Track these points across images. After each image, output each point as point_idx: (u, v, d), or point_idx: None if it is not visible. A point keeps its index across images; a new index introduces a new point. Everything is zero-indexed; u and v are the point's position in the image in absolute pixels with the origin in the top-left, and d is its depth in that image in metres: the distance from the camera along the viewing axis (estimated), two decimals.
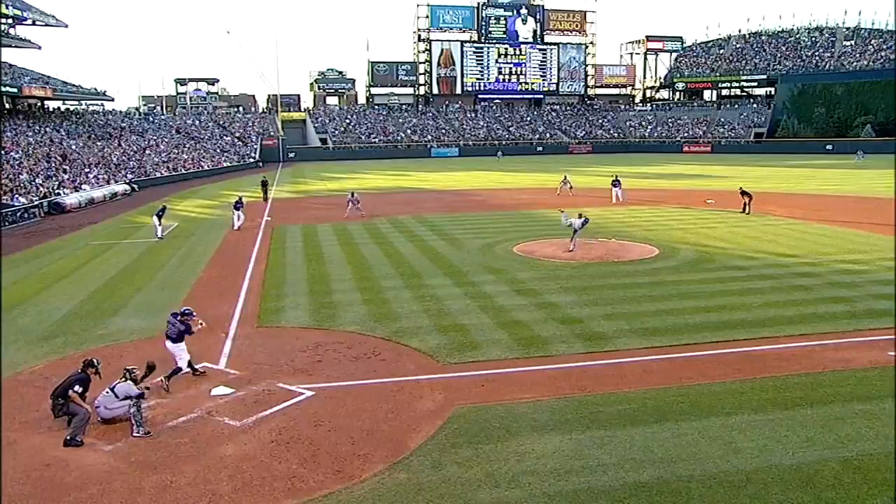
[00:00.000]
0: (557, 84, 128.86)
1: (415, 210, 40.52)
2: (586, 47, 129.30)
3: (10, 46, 78.67)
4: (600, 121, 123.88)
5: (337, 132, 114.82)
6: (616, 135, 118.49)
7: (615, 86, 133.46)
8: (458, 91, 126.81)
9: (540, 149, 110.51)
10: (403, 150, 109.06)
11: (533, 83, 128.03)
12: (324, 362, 14.65)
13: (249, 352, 15.41)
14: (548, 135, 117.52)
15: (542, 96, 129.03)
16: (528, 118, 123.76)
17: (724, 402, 12.22)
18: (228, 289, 21.41)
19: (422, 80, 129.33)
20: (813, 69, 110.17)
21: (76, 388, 11.66)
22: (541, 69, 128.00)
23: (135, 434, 11.37)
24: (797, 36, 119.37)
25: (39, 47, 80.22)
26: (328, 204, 45.24)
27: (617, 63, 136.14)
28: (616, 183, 42.44)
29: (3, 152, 54.37)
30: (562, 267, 23.25)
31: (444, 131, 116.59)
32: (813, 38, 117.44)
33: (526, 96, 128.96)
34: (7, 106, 76.10)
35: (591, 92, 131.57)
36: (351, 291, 20.59)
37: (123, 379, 11.98)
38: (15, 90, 70.53)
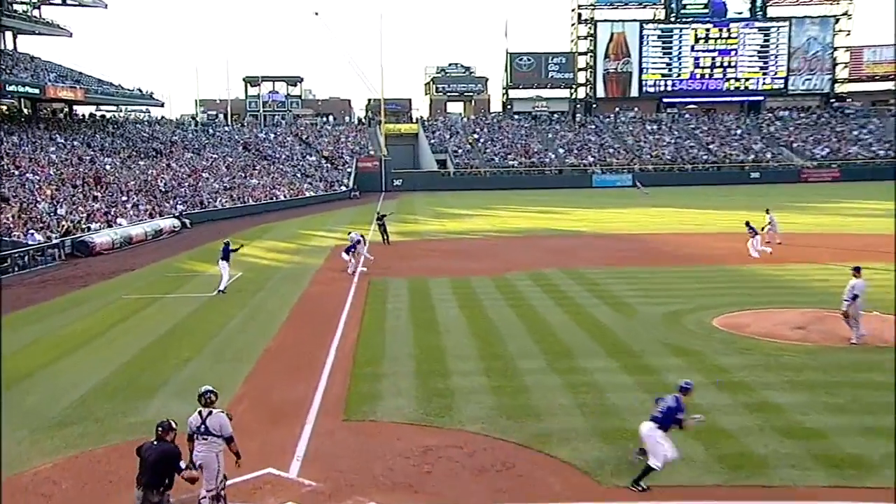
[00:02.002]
0: (786, 79, 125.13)
1: (566, 261, 40.75)
2: (836, 20, 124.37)
3: (31, 33, 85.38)
4: (856, 132, 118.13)
5: (461, 151, 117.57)
6: (884, 153, 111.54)
7: (883, 78, 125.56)
8: (634, 93, 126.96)
9: (755, 175, 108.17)
10: (553, 177, 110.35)
11: (747, 79, 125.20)
12: (435, 475, 14.76)
13: (332, 454, 15.76)
14: (768, 154, 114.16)
15: (760, 98, 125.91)
16: (739, 130, 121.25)
17: None
18: (307, 364, 22.13)
19: (581, 77, 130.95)
20: None
21: (180, 465, 12.00)
22: (760, 57, 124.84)
23: None
24: None
25: (70, 34, 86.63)
26: (447, 251, 46.43)
27: (889, 42, 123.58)
28: None
29: (10, 171, 59.00)
30: (789, 351, 22.45)
31: (611, 150, 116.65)
32: None
33: (736, 98, 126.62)
34: (25, 111, 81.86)
35: (841, 89, 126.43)
36: (474, 374, 20.77)
37: (205, 405, 13.10)
38: (36, 91, 75.02)
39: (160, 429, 12.10)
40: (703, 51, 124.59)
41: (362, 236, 41.67)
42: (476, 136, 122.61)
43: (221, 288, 33.63)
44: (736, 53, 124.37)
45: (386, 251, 46.95)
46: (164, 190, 72.58)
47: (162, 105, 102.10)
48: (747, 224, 41.59)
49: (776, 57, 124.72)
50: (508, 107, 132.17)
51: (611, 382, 19.75)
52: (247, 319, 28.48)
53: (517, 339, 24.28)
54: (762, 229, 44.54)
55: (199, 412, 13.09)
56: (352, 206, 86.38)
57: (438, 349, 23.32)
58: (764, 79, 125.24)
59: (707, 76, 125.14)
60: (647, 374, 20.46)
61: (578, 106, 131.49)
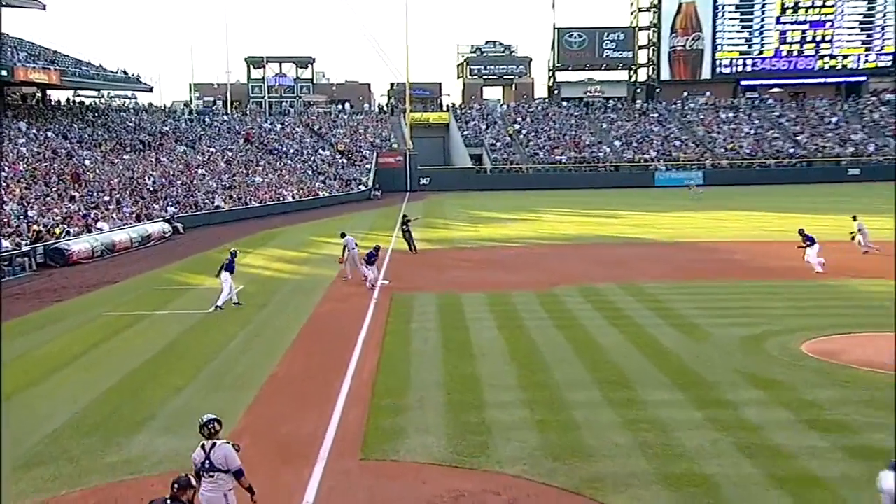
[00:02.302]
0: (895, 55, 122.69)
1: (623, 274, 40.89)
2: None
3: None
4: None
5: (499, 144, 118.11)
6: None
7: None
8: (706, 75, 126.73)
9: (855, 171, 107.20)
10: (608, 174, 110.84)
11: (845, 56, 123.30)
12: None
13: (348, 499, 15.81)
14: (870, 146, 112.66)
15: (861, 79, 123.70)
16: (835, 118, 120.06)
17: None
18: (319, 393, 22.22)
19: (643, 57, 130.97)
20: None
21: None
22: (863, 30, 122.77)
23: None
24: None
25: (44, 6, 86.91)
26: (482, 262, 46.83)
27: None
28: None
29: None
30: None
31: (678, 143, 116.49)
32: None
33: (831, 80, 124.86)
34: None
35: None
36: (515, 406, 20.74)
37: (208, 436, 13.14)
38: (3, 73, 75.07)
39: (176, 486, 11.73)
40: (791, 23, 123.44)
41: (356, 243, 42.23)
42: (517, 126, 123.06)
43: (220, 303, 33.84)
44: (832, 26, 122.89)
45: (411, 262, 47.22)
46: (152, 189, 73.23)
47: (150, 90, 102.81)
48: (801, 232, 41.04)
49: (882, 29, 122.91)
50: (555, 92, 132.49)
51: (677, 419, 19.60)
52: (249, 340, 28.71)
53: (565, 366, 24.22)
54: (851, 238, 44.21)
55: (202, 445, 13.11)
56: (372, 208, 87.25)
57: (472, 377, 23.32)
58: (866, 56, 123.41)
59: (795, 54, 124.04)
60: (721, 408, 20.24)
61: (639, 90, 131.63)
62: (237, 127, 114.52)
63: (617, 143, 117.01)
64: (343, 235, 41.97)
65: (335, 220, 73.38)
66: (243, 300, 35.25)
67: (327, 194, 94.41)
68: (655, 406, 20.52)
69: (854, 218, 45.86)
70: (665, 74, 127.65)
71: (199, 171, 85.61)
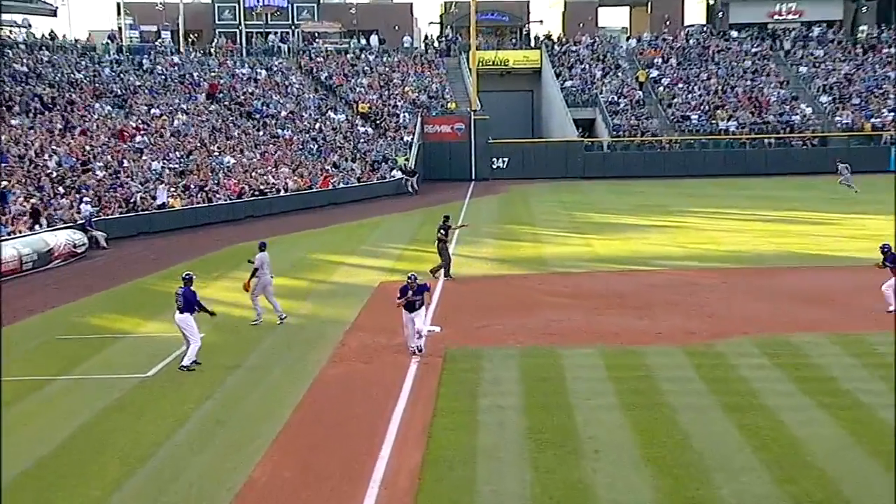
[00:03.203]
0: None
1: (837, 319, 40.49)
2: None
3: None
4: None
5: (623, 102, 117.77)
6: None
7: None
8: None
9: None
10: (809, 151, 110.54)
11: None
12: None
13: None
14: None
15: None
16: None
17: None
18: None
19: None
20: None
21: None
22: None
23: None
24: None
25: None
26: (595, 296, 46.54)
27: None
28: None
29: None
30: None
31: None
32: None
33: None
34: None
35: None
36: None
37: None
38: None
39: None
40: None
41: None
42: (653, 71, 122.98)
43: (186, 363, 33.97)
44: None
45: (477, 295, 47.18)
46: (56, 176, 73.38)
47: (54, 13, 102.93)
48: (885, 250, 40.81)
49: None
50: (720, 15, 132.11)
51: None
52: (208, 422, 28.64)
53: (737, 476, 23.91)
54: None
55: None
56: (413, 208, 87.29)
57: (581, 490, 23.12)
58: None
59: None
60: None
61: (864, 10, 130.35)
62: (195, 75, 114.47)
63: (824, 98, 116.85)
64: (262, 248, 42.32)
65: (353, 227, 73.60)
66: (203, 359, 35.10)
67: (341, 185, 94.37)
68: None
69: None
70: None
71: (134, 146, 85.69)
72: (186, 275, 35.78)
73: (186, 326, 34.31)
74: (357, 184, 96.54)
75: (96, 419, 29.28)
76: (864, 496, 22.32)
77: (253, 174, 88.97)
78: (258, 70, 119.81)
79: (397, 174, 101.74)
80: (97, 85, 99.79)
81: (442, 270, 50.76)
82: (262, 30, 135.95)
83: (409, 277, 36.52)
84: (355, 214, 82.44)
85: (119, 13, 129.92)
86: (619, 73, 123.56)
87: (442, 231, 51.15)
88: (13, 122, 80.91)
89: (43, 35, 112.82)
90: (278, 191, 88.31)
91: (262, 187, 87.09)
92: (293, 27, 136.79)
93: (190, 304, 34.55)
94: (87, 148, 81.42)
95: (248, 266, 41.45)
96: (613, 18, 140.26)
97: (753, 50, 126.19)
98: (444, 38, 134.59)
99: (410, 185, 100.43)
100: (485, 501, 22.42)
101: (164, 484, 23.83)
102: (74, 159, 77.70)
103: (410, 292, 35.86)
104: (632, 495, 22.60)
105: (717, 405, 29.20)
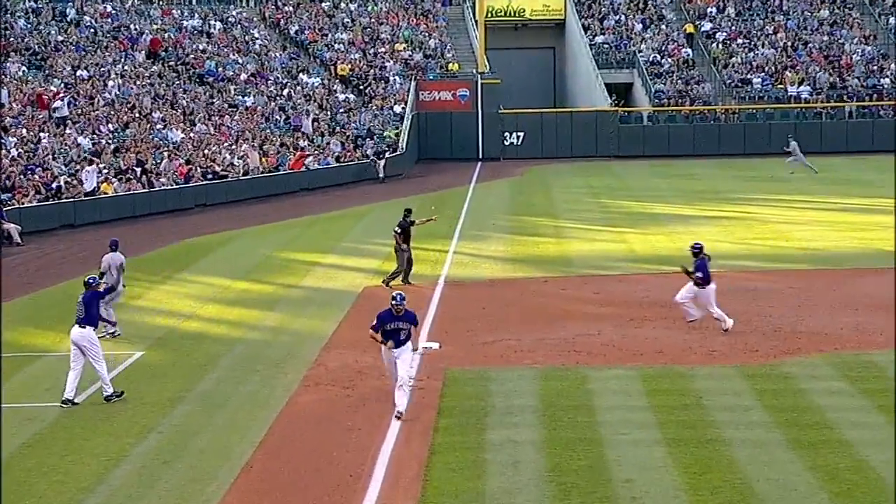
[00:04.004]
0: None
1: None
2: None
3: None
4: None
5: (667, 63, 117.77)
6: None
7: None
8: None
9: None
10: None
11: None
12: None
13: None
14: None
15: None
16: None
17: None
18: None
19: None
20: None
21: None
22: None
23: None
24: None
25: None
26: (631, 304, 46.72)
27: None
28: None
29: None
30: None
31: None
32: None
33: None
34: None
35: None
36: None
37: None
38: None
39: None
40: None
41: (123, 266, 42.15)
42: (706, 23, 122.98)
43: (69, 396, 33.29)
44: None
45: (483, 304, 47.19)
46: None
47: None
48: (696, 251, 42.98)
49: None
50: None
51: None
52: (152, 468, 28.31)
53: None
54: None
55: None
56: (407, 194, 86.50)
57: None
58: None
59: None
60: None
61: None
62: (133, 27, 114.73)
63: None
64: (113, 247, 42.37)
65: (331, 218, 73.74)
66: (146, 382, 35.09)
67: (316, 166, 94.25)
68: None
69: None
70: None
71: (53, 120, 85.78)
72: (90, 278, 35.56)
73: (89, 344, 33.66)
74: (336, 164, 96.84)
75: (12, 459, 29.10)
76: None
77: (205, 152, 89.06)
78: (211, 22, 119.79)
79: (369, 153, 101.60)
80: (10, 39, 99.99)
81: (399, 278, 49.99)
82: None
83: (394, 299, 32.71)
84: (333, 203, 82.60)
85: None
86: (664, 26, 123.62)
87: (397, 230, 50.34)
88: None
89: None
90: (238, 173, 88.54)
91: (216, 168, 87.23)
92: None
93: (93, 315, 34.04)
94: None
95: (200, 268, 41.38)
96: None
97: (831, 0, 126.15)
98: None
99: (378, 170, 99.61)
100: None
101: None
102: None
103: (392, 324, 32.47)
104: None
105: (785, 441, 29.16)
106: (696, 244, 42.92)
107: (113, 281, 40.98)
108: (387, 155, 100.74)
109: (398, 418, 30.92)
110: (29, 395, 34.80)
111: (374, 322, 32.40)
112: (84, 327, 33.62)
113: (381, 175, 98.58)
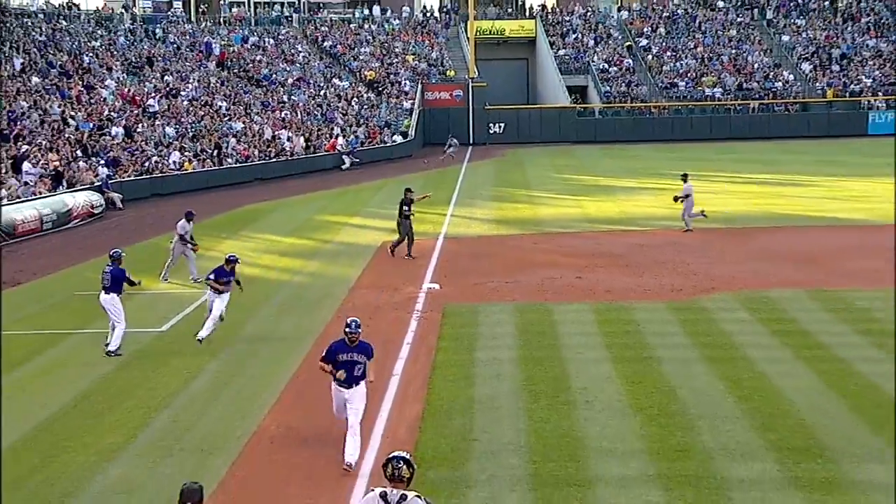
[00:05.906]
0: None
1: (817, 277, 40.90)
2: None
3: None
4: None
5: (613, 71, 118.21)
6: None
7: None
8: None
9: None
10: (792, 116, 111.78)
11: None
12: None
13: None
14: None
15: None
16: None
17: None
18: (329, 460, 22.20)
19: None
20: None
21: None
22: None
23: None
24: None
25: None
26: (588, 255, 46.77)
27: None
28: None
29: None
30: None
31: None
32: None
33: None
34: None
35: None
36: (639, 483, 20.65)
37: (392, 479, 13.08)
38: None
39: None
40: None
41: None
42: (642, 41, 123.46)
43: (113, 348, 31.79)
44: None
45: (475, 255, 47.60)
46: (74, 139, 73.17)
47: None
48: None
49: None
50: None
51: None
52: (222, 379, 28.80)
53: (721, 424, 24.02)
54: None
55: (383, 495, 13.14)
56: (415, 171, 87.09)
57: (572, 438, 23.25)
58: None
59: None
60: None
61: None
62: (206, 42, 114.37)
63: (806, 66, 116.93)
64: (188, 216, 42.92)
65: (357, 189, 73.70)
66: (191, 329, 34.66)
67: (344, 149, 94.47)
68: (866, 489, 20.22)
69: None
70: None
71: (148, 112, 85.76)
72: (115, 252, 34.13)
73: (113, 308, 32.52)
74: (359, 147, 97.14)
75: (112, 371, 29.52)
76: (842, 445, 22.39)
77: (259, 140, 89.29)
78: (266, 39, 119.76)
79: (399, 139, 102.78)
80: (112, 52, 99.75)
81: (405, 247, 47.50)
82: None
83: (348, 326, 22.55)
84: (361, 177, 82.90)
85: None
86: (610, 43, 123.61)
87: (405, 206, 47.66)
88: (34, 88, 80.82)
89: (60, 4, 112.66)
90: (286, 154, 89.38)
91: (270, 151, 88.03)
92: None
93: (118, 283, 32.77)
94: (102, 113, 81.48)
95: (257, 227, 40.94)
96: None
97: (738, 19, 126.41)
98: (443, 9, 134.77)
99: (346, 160, 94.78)
100: (482, 449, 22.53)
101: (178, 433, 23.96)
102: (90, 124, 77.72)
103: (345, 354, 22.46)
104: (620, 443, 22.75)
105: (701, 358, 29.50)
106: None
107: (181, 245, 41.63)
108: (354, 153, 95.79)
109: (347, 470, 21.30)
110: (128, 324, 34.69)
111: (324, 354, 22.91)
112: (109, 293, 32.44)
113: (345, 165, 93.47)
